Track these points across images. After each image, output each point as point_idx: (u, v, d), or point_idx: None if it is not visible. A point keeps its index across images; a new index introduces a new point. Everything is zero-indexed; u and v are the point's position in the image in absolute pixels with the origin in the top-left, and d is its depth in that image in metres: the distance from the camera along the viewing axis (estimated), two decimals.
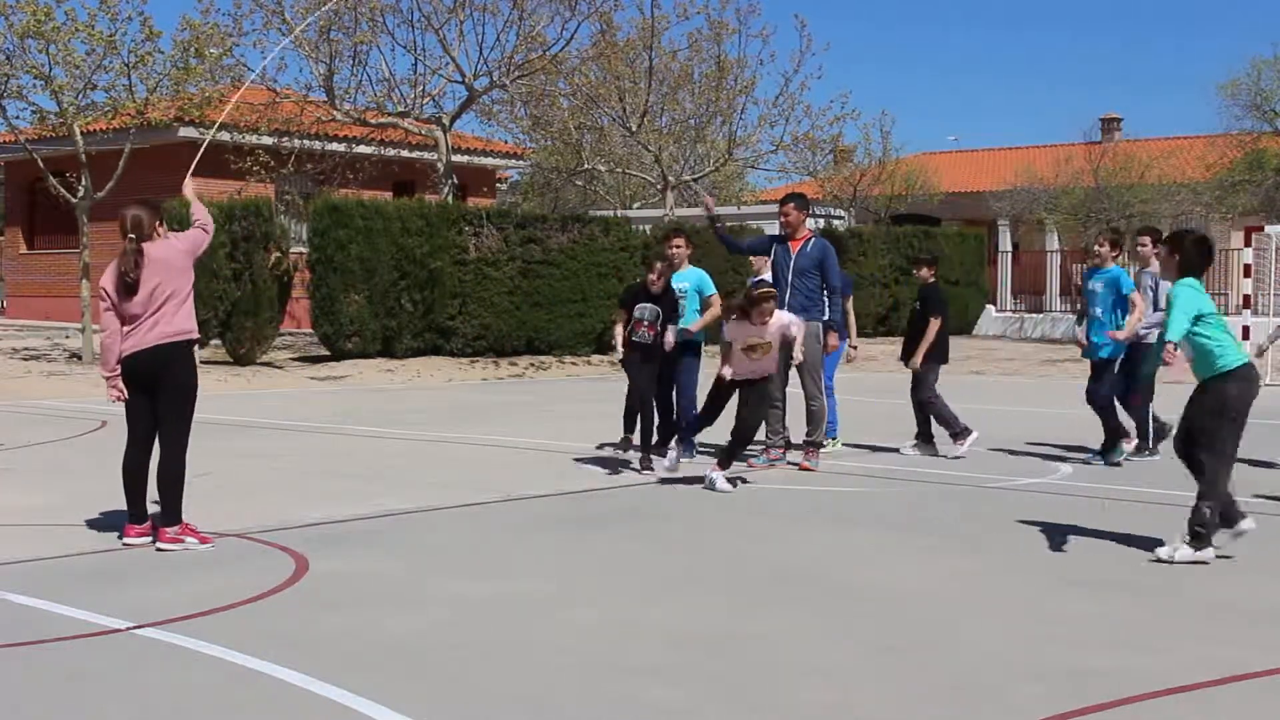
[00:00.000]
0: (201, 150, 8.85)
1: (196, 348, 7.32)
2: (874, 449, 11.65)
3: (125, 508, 7.27)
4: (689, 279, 10.74)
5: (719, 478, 9.28)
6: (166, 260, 7.12)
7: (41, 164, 21.00)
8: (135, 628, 5.49)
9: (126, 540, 7.18)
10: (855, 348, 12.16)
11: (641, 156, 31.76)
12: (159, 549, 7.04)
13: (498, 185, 37.94)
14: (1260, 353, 11.63)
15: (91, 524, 7.74)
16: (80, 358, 20.42)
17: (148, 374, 7.09)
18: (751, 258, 11.51)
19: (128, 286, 7.02)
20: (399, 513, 8.34)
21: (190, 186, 8.04)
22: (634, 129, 28.94)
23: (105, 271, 7.28)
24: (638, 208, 36.35)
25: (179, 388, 7.13)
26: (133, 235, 7.07)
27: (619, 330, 10.27)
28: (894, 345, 28.79)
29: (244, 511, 8.20)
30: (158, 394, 7.13)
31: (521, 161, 35.90)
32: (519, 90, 27.50)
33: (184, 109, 22.15)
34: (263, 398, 16.56)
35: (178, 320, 7.08)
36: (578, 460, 10.79)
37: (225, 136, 26.19)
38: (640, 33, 28.11)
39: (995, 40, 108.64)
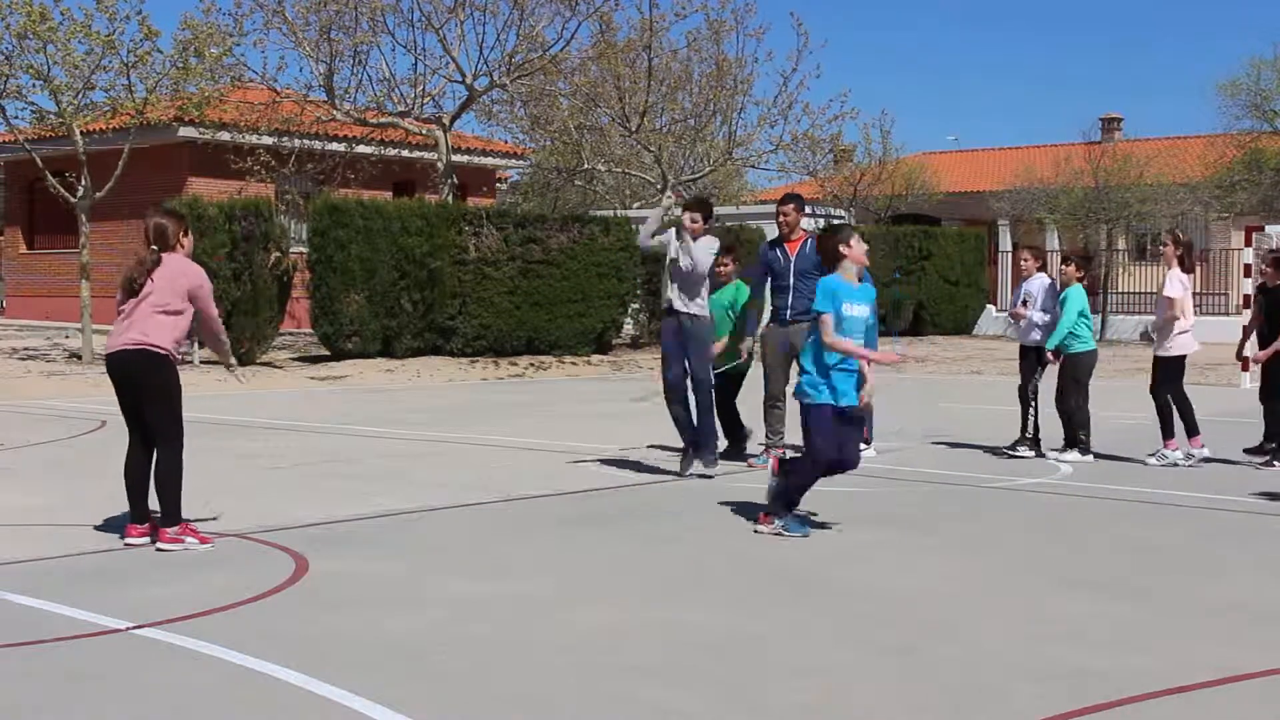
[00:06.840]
0: None
1: (192, 348, 7.36)
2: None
3: (125, 508, 7.27)
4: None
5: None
6: (176, 272, 7.17)
7: (41, 164, 21.00)
8: (135, 628, 5.49)
9: (128, 540, 7.18)
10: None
11: (641, 156, 31.73)
12: (159, 549, 7.04)
13: (498, 185, 37.95)
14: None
15: (91, 524, 7.73)
16: (80, 357, 20.41)
17: (124, 376, 7.11)
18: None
19: (132, 291, 7.10)
20: (399, 513, 8.34)
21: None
22: (634, 129, 28.93)
23: (122, 270, 7.33)
24: (638, 208, 36.34)
25: (155, 390, 7.11)
26: (155, 246, 7.14)
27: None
28: (893, 345, 28.90)
29: (244, 511, 8.20)
30: (139, 396, 7.14)
31: (521, 161, 35.90)
32: (519, 90, 27.50)
33: (183, 109, 22.18)
34: (263, 398, 16.55)
35: (151, 330, 7.07)
36: (577, 460, 10.79)
37: (225, 136, 26.28)
38: (640, 32, 28.09)
39: (995, 40, 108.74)
